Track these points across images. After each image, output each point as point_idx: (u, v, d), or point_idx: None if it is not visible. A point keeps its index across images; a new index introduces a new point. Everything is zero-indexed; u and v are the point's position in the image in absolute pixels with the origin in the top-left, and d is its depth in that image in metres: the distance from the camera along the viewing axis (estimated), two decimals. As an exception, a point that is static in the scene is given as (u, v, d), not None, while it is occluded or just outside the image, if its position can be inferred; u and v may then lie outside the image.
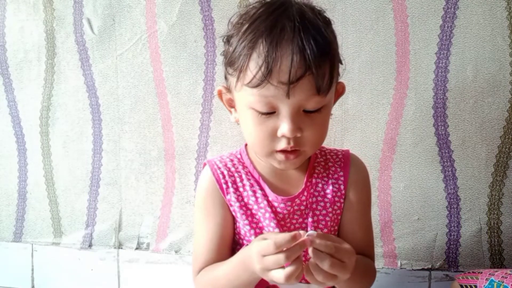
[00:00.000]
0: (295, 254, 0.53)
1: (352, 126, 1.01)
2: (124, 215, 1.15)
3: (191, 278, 0.74)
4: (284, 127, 0.60)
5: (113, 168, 1.14)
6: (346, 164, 0.73)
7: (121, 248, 1.15)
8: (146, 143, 1.11)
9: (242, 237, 0.72)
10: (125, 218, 1.15)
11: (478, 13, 0.94)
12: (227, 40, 0.65)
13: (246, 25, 0.61)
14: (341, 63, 0.66)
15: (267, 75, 0.57)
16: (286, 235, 0.53)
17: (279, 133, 0.61)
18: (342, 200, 0.72)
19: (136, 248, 1.14)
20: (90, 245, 1.17)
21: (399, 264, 1.03)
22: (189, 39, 1.06)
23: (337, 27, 0.98)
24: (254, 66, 0.58)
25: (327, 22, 0.64)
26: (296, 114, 0.60)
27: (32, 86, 1.16)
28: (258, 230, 0.70)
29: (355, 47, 0.99)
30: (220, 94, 0.69)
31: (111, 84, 1.11)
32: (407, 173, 1.01)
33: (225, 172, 0.72)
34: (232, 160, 0.74)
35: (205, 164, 0.75)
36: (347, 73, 1.00)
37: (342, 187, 0.71)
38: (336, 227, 0.73)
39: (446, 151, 0.99)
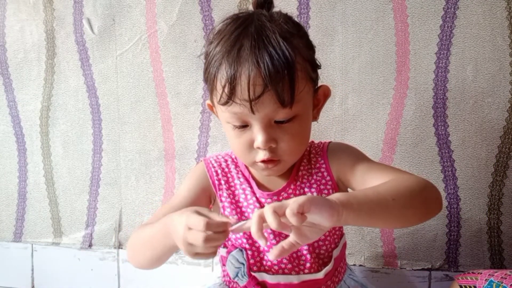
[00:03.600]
0: (217, 241, 0.53)
1: (352, 126, 1.01)
2: (124, 215, 1.15)
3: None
4: (258, 139, 0.63)
5: (113, 168, 1.14)
6: (324, 152, 0.74)
7: (121, 248, 1.15)
8: (146, 143, 1.11)
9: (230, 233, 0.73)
10: (125, 218, 1.15)
11: (478, 13, 0.94)
12: (204, 57, 0.68)
13: (215, 43, 0.64)
14: (319, 67, 0.68)
15: (231, 94, 0.60)
16: (219, 221, 0.52)
17: (254, 145, 0.64)
18: (329, 187, 0.71)
19: (136, 248, 1.14)
20: (90, 245, 1.17)
21: (399, 264, 1.03)
22: (189, 39, 1.06)
23: (337, 27, 0.99)
24: (219, 86, 0.62)
25: (292, 31, 0.63)
26: (268, 125, 0.63)
27: (32, 86, 1.16)
28: None
29: (355, 47, 0.99)
30: (210, 107, 0.72)
31: (111, 84, 1.11)
32: (407, 173, 1.00)
33: (219, 171, 0.76)
34: (226, 161, 0.77)
35: (200, 161, 0.79)
36: (347, 73, 1.00)
37: (325, 174, 0.72)
38: None
39: (446, 151, 0.99)
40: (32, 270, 1.20)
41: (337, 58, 1.00)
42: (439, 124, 0.98)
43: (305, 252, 0.71)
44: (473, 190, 0.99)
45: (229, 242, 0.74)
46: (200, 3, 1.05)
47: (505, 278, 0.74)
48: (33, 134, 1.17)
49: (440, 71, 0.97)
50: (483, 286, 0.77)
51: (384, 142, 1.01)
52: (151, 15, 1.07)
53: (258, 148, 0.64)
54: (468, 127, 0.98)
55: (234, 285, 0.75)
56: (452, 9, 0.95)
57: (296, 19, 0.69)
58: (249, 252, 0.72)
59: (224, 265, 0.76)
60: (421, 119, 0.99)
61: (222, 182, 0.75)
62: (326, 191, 0.72)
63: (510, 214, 0.98)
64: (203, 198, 0.74)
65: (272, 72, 0.59)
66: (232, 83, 0.60)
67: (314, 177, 0.73)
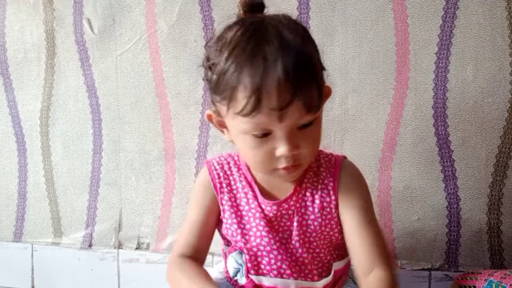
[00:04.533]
0: None
1: (352, 126, 1.01)
2: (124, 215, 1.15)
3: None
4: (282, 148, 0.61)
5: (113, 168, 1.14)
6: (336, 170, 0.72)
7: (121, 248, 1.15)
8: (146, 143, 1.11)
9: (229, 236, 0.74)
10: (125, 218, 1.15)
11: (478, 13, 0.94)
12: (209, 67, 0.64)
13: (226, 53, 0.60)
14: (324, 69, 0.66)
15: (257, 105, 0.57)
16: None
17: (277, 154, 0.62)
18: (333, 206, 0.71)
19: (136, 248, 1.14)
20: (90, 245, 1.17)
21: (399, 264, 1.03)
22: (189, 39, 1.06)
23: (337, 27, 0.99)
24: (242, 97, 0.58)
25: (304, 35, 0.63)
26: (291, 133, 0.61)
27: (32, 86, 1.16)
28: (245, 231, 0.72)
29: (355, 47, 0.99)
30: (210, 118, 0.70)
31: (111, 84, 1.11)
32: (407, 173, 1.01)
33: (221, 174, 0.75)
34: (229, 163, 0.76)
35: (205, 163, 0.78)
36: (347, 73, 1.00)
37: (331, 193, 0.71)
38: (332, 233, 0.72)
39: (446, 151, 0.99)
40: (32, 270, 1.20)
41: (337, 58, 1.00)
42: (439, 124, 0.98)
43: (306, 260, 0.71)
44: (473, 190, 0.99)
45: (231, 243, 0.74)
46: (200, 3, 1.05)
47: (505, 278, 0.74)
48: (33, 134, 1.17)
49: (440, 71, 0.97)
50: (482, 286, 0.77)
51: (384, 142, 1.01)
52: (151, 15, 1.07)
53: (282, 156, 0.62)
54: (468, 127, 0.98)
55: (236, 282, 0.75)
56: (452, 9, 0.95)
57: (296, 19, 0.68)
58: (247, 257, 0.72)
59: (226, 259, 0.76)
60: (421, 119, 0.99)
61: (224, 185, 0.74)
62: (328, 209, 0.71)
63: (510, 214, 0.98)
64: (215, 210, 0.74)
65: (301, 78, 0.57)
66: (259, 92, 0.57)
67: (320, 193, 0.71)
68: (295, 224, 0.71)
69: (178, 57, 1.07)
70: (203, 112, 1.08)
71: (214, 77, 0.62)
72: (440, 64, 0.97)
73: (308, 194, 0.71)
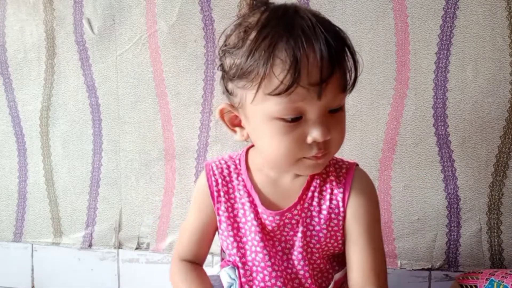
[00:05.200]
0: None
1: (352, 126, 1.01)
2: (124, 215, 1.15)
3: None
4: (316, 132, 0.57)
5: (113, 168, 1.14)
6: (347, 181, 0.67)
7: (121, 248, 1.15)
8: (146, 143, 1.11)
9: (224, 247, 0.71)
10: (125, 218, 1.15)
11: (478, 13, 0.94)
12: (228, 53, 0.61)
13: (254, 33, 0.57)
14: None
15: (297, 78, 0.54)
16: None
17: (309, 140, 0.58)
18: (340, 218, 0.66)
19: (136, 248, 1.14)
20: (90, 245, 1.17)
21: (399, 264, 1.03)
22: (189, 39, 1.06)
23: (337, 27, 0.99)
24: (279, 71, 0.55)
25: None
26: (324, 116, 0.58)
27: (32, 86, 1.16)
28: (241, 244, 0.69)
29: (355, 47, 0.99)
30: (222, 113, 0.65)
31: (111, 84, 1.11)
32: (407, 173, 1.00)
33: (219, 180, 0.70)
34: (229, 167, 0.71)
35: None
36: (347, 73, 1.00)
37: (340, 204, 0.66)
38: (336, 244, 0.68)
39: (446, 151, 0.99)
40: (32, 270, 1.20)
41: (337, 58, 1.00)
42: (439, 124, 0.98)
43: (306, 274, 0.68)
44: (473, 190, 0.99)
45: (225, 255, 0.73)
46: (200, 3, 1.05)
47: (506, 277, 0.74)
48: (33, 134, 1.17)
49: (440, 71, 0.97)
50: (484, 286, 0.77)
51: (384, 142, 1.01)
52: (151, 15, 1.07)
53: (315, 141, 0.58)
54: (468, 127, 0.98)
55: None
56: (452, 9, 0.95)
57: None
58: (241, 271, 0.69)
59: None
60: (421, 119, 0.99)
61: (222, 193, 0.70)
62: (335, 221, 0.66)
63: (510, 214, 0.98)
64: (214, 216, 0.72)
65: (341, 53, 0.57)
66: (299, 64, 0.53)
67: (328, 203, 0.67)
68: (299, 235, 0.67)
69: (178, 57, 1.07)
70: (203, 112, 1.08)
71: (238, 61, 0.58)
72: (440, 64, 0.97)
73: (314, 203, 0.67)
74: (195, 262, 0.74)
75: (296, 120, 0.58)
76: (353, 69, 0.59)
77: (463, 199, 0.99)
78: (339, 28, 0.60)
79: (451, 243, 1.00)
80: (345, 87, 0.58)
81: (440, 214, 1.00)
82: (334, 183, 0.67)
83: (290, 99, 0.56)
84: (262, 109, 0.58)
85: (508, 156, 0.97)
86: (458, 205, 1.00)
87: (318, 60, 0.54)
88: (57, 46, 1.13)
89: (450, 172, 0.99)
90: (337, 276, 0.70)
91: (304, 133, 0.58)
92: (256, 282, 0.68)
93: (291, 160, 0.61)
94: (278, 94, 0.55)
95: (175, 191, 1.11)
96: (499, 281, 0.75)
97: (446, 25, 0.96)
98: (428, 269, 1.02)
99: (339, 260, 0.71)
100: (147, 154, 1.12)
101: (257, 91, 0.57)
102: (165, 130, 1.10)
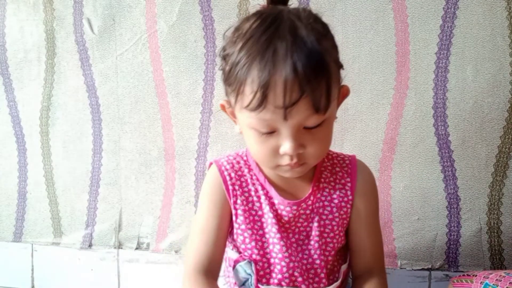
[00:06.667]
0: None
1: (352, 126, 1.01)
2: (124, 215, 1.15)
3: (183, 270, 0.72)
4: (286, 146, 0.60)
5: (113, 168, 1.14)
6: (353, 171, 0.72)
7: (121, 248, 1.15)
8: (146, 143, 1.11)
9: (240, 242, 0.71)
10: (125, 218, 1.15)
11: (478, 13, 0.94)
12: (223, 57, 0.64)
13: (240, 44, 0.59)
14: (342, 68, 0.65)
15: (263, 101, 0.56)
16: None
17: (281, 151, 0.61)
18: (349, 206, 0.71)
19: (136, 248, 1.14)
20: (90, 245, 1.17)
21: (399, 264, 1.03)
22: (189, 39, 1.06)
23: (337, 27, 0.99)
24: (249, 91, 0.57)
25: (323, 32, 0.61)
26: (297, 132, 0.60)
27: (32, 86, 1.16)
28: (258, 237, 0.70)
29: (355, 47, 0.99)
30: (223, 107, 0.69)
31: (111, 84, 1.11)
32: (407, 173, 1.01)
33: (233, 175, 0.72)
34: (238, 162, 0.73)
35: (211, 164, 0.75)
36: (347, 73, 1.00)
37: (349, 193, 0.71)
38: (342, 234, 0.72)
39: (446, 151, 0.99)
40: (32, 270, 1.20)
41: (337, 58, 1.00)
42: (439, 124, 0.98)
43: (317, 266, 0.70)
44: (473, 190, 0.99)
45: (240, 250, 0.72)
46: (200, 3, 1.05)
47: (500, 281, 0.74)
48: (33, 134, 1.17)
49: (440, 71, 0.97)
50: (478, 290, 0.76)
51: (384, 142, 1.01)
52: (151, 15, 1.07)
53: (285, 154, 0.61)
54: (468, 127, 0.98)
55: None
56: (452, 9, 0.95)
57: (316, 13, 0.66)
58: (259, 264, 0.69)
59: (233, 268, 0.73)
60: (421, 119, 0.99)
61: (236, 187, 0.71)
62: (345, 209, 0.71)
63: (510, 214, 0.98)
64: (226, 215, 0.71)
65: (310, 77, 0.55)
66: (266, 88, 0.56)
67: (338, 192, 0.71)
68: (315, 224, 0.70)
69: (178, 57, 1.07)
70: (203, 112, 1.08)
71: (227, 68, 0.61)
72: (440, 64, 0.97)
73: (325, 193, 0.71)
74: (211, 270, 0.70)
75: (270, 133, 0.61)
76: (324, 91, 0.57)
77: (463, 199, 0.99)
78: (322, 47, 0.58)
79: (451, 243, 1.00)
80: (318, 109, 0.57)
81: (440, 214, 1.00)
82: (341, 174, 0.72)
83: (261, 117, 0.58)
84: (242, 117, 0.62)
85: (508, 156, 0.97)
86: (458, 205, 1.00)
87: (282, 86, 0.55)
88: (57, 46, 1.13)
89: (450, 172, 0.99)
90: (343, 267, 0.73)
91: (277, 145, 0.61)
92: (274, 275, 0.70)
93: (269, 165, 0.65)
94: (249, 110, 0.58)
95: (175, 191, 1.11)
96: (493, 284, 0.74)
97: (446, 25, 0.96)
98: (428, 269, 1.02)
99: (341, 253, 0.74)
100: (147, 154, 1.12)
101: (235, 101, 0.61)
102: (165, 130, 1.10)
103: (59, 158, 1.17)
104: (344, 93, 0.68)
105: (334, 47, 0.63)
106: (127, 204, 1.14)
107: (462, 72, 0.96)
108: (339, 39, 1.00)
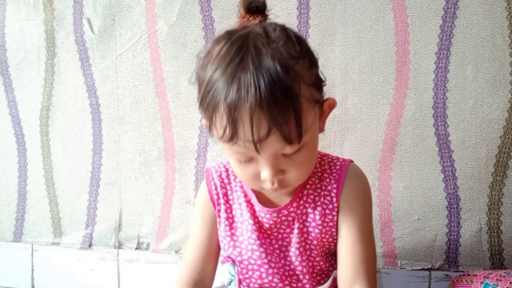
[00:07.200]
0: None
1: (352, 126, 1.01)
2: (124, 215, 1.15)
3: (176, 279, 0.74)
4: (265, 173, 0.59)
5: (113, 168, 1.14)
6: (340, 177, 0.69)
7: (121, 248, 1.15)
8: (146, 143, 1.11)
9: (222, 247, 0.73)
10: (125, 218, 1.15)
11: (478, 13, 0.94)
12: (196, 79, 0.62)
13: (210, 73, 0.57)
14: (323, 84, 0.62)
15: (233, 135, 0.55)
16: None
17: (261, 177, 0.60)
18: (334, 213, 0.68)
19: (136, 248, 1.14)
20: (90, 245, 1.17)
21: (399, 264, 1.03)
22: (189, 39, 1.06)
23: (337, 27, 0.99)
24: (219, 126, 0.56)
25: (293, 55, 0.56)
26: (274, 159, 0.58)
27: (32, 86, 1.16)
28: (237, 244, 0.71)
29: (355, 47, 0.99)
30: (207, 126, 0.68)
31: (111, 84, 1.11)
32: (407, 173, 1.01)
33: (218, 184, 0.73)
34: (227, 170, 0.74)
35: (207, 170, 0.76)
36: (347, 73, 1.00)
37: (334, 199, 0.68)
38: (331, 240, 0.70)
39: (446, 151, 0.99)
40: (32, 270, 1.20)
41: (337, 58, 1.00)
42: (439, 124, 0.98)
43: (299, 272, 0.69)
44: (473, 190, 0.99)
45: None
46: (200, 3, 1.05)
47: (501, 280, 0.74)
48: (33, 134, 1.17)
49: (440, 71, 0.97)
50: (478, 290, 0.76)
51: (384, 142, 1.01)
52: (151, 15, 1.07)
53: (266, 180, 0.60)
54: (468, 127, 0.98)
55: None
56: (452, 9, 0.95)
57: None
58: (239, 269, 0.71)
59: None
60: (421, 119, 0.99)
61: (221, 195, 0.72)
62: (330, 217, 0.68)
63: (510, 214, 0.98)
64: (216, 224, 0.73)
65: (276, 113, 0.53)
66: (234, 125, 0.54)
67: (322, 199, 0.68)
68: (295, 231, 0.69)
69: (178, 57, 1.07)
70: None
71: (200, 93, 0.60)
72: (440, 64, 0.97)
73: (309, 200, 0.69)
74: (203, 285, 0.71)
75: (249, 160, 0.60)
76: (293, 124, 0.54)
77: (463, 199, 0.99)
78: (286, 77, 0.54)
79: (451, 243, 1.00)
80: (290, 140, 0.55)
81: (440, 214, 1.00)
82: (328, 180, 0.69)
83: (235, 149, 0.58)
84: (219, 143, 0.61)
85: (508, 156, 0.97)
86: (458, 205, 1.00)
87: (249, 122, 0.53)
88: (57, 46, 1.13)
89: (450, 172, 0.99)
90: (335, 273, 0.72)
91: (257, 171, 0.60)
92: (253, 280, 0.71)
93: (253, 187, 0.67)
94: (223, 142, 0.57)
95: (175, 191, 1.11)
96: (494, 284, 0.75)
97: (446, 25, 0.96)
98: (428, 269, 1.02)
99: (335, 259, 0.72)
100: (147, 154, 1.12)
101: (210, 130, 0.59)
102: (165, 130, 1.10)
103: (59, 158, 1.17)
104: (329, 105, 0.65)
105: (310, 66, 0.59)
106: (127, 204, 1.14)
107: (462, 72, 0.96)
108: (339, 39, 1.01)
